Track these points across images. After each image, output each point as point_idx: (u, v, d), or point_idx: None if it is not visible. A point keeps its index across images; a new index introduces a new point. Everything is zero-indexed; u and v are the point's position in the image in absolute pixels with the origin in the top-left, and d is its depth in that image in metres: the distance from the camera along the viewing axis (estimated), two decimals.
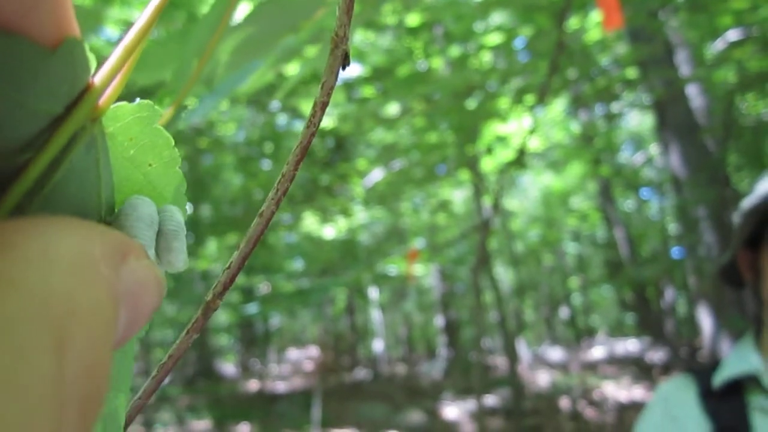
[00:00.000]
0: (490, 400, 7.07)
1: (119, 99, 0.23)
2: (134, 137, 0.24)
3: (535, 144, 5.95)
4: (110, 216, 0.24)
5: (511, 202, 10.57)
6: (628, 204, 11.88)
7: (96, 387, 0.16)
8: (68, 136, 0.20)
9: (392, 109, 4.43)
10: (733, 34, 3.52)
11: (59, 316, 0.15)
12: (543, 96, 2.79)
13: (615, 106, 5.22)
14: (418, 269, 7.86)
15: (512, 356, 6.09)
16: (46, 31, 0.18)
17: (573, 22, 3.18)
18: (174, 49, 0.62)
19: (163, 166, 0.25)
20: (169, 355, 0.26)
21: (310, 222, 7.32)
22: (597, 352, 11.71)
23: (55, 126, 0.20)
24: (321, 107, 0.26)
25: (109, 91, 0.22)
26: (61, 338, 0.15)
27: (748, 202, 1.04)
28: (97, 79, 0.21)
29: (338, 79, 0.27)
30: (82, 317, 0.16)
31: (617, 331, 14.81)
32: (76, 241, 0.17)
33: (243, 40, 0.67)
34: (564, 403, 7.04)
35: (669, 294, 9.54)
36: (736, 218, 1.09)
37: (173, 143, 0.25)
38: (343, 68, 0.26)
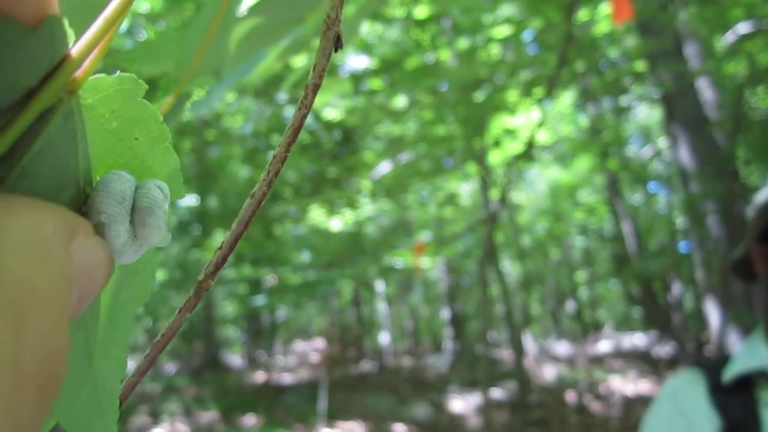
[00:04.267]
0: (497, 393, 7.08)
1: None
2: (116, 110, 0.24)
3: (542, 137, 5.93)
4: (89, 186, 0.24)
5: (518, 196, 10.55)
6: (635, 198, 11.85)
7: (53, 369, 0.16)
8: (42, 106, 0.20)
9: (400, 101, 4.43)
10: (743, 27, 3.50)
11: (17, 297, 0.15)
12: (551, 89, 2.78)
13: (623, 100, 5.19)
14: (425, 262, 7.87)
15: (518, 350, 6.09)
16: (27, 9, 0.19)
17: (582, 15, 3.16)
18: (178, 39, 0.63)
19: (150, 140, 0.25)
20: (162, 334, 0.26)
21: (317, 214, 7.33)
22: (603, 346, 11.71)
23: (30, 98, 0.20)
24: (313, 89, 0.26)
25: (87, 64, 0.22)
26: (19, 320, 0.15)
27: (762, 196, 1.03)
28: (74, 52, 0.21)
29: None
30: (39, 299, 0.16)
31: (624, 325, 14.80)
32: (29, 222, 0.17)
33: (249, 31, 0.66)
34: (570, 396, 7.05)
35: (676, 288, 9.52)
36: (749, 212, 1.08)
37: (161, 118, 0.25)
38: (336, 50, 0.27)
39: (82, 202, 0.23)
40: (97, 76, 0.23)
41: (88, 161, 0.24)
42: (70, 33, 0.21)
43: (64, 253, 0.18)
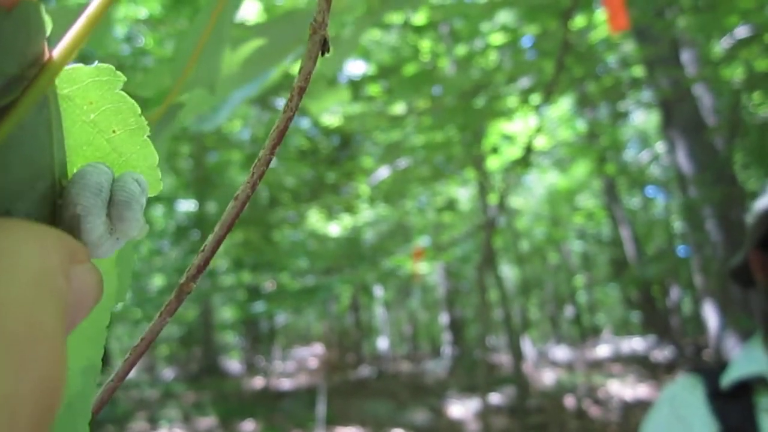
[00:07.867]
0: (495, 398, 7.07)
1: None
2: (94, 101, 0.24)
3: (540, 142, 5.94)
4: (65, 178, 0.24)
5: (516, 201, 10.54)
6: (633, 202, 11.84)
7: (50, 400, 0.16)
8: (31, 101, 0.20)
9: (398, 107, 4.43)
10: (740, 33, 3.51)
11: (20, 332, 0.15)
12: (549, 95, 2.79)
13: (621, 105, 5.20)
14: (423, 267, 7.86)
15: (517, 354, 6.09)
16: None
17: (579, 21, 3.17)
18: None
19: (128, 133, 0.25)
20: (142, 338, 0.26)
21: (315, 220, 7.32)
22: (602, 350, 11.69)
23: (7, 84, 0.20)
24: (298, 92, 0.26)
25: (63, 52, 0.22)
26: (21, 354, 0.15)
27: (761, 203, 1.04)
28: (59, 46, 0.21)
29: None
30: (42, 334, 0.16)
31: (622, 329, 14.77)
32: (37, 251, 0.17)
33: (252, 52, 0.67)
34: (569, 401, 7.04)
35: (674, 292, 9.52)
36: (748, 218, 1.08)
37: (139, 111, 0.25)
38: (322, 54, 0.27)
39: (57, 194, 0.23)
40: (74, 65, 0.23)
41: (64, 153, 0.24)
42: (47, 18, 0.21)
43: (66, 284, 0.18)
